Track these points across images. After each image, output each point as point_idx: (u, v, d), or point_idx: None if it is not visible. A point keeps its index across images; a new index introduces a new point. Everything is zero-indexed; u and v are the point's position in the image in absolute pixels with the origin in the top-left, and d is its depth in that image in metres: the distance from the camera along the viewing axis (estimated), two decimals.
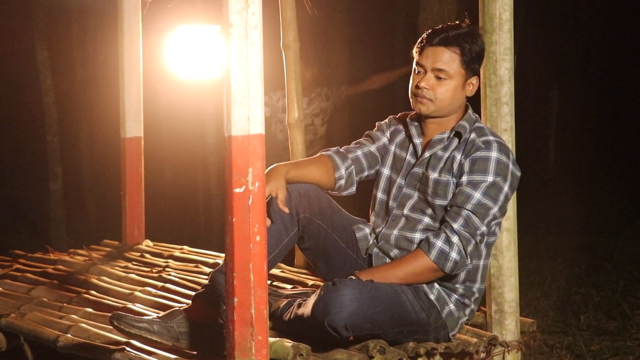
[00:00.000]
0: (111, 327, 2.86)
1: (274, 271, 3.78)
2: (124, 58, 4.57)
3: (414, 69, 3.06)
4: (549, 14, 11.72)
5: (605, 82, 12.97)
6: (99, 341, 2.96)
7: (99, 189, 9.11)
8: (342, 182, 3.19)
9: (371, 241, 3.18)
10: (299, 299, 3.02)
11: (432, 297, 3.00)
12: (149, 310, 3.27)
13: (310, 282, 3.59)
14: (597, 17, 12.72)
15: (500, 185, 2.95)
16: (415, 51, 3.07)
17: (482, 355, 3.14)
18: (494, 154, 2.96)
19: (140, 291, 3.57)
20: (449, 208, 2.98)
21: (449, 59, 3.00)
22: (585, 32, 12.81)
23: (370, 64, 9.29)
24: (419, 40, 3.06)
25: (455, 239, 2.91)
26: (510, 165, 2.98)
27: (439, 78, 3.00)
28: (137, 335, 2.77)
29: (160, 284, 3.69)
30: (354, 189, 3.25)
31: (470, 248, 2.92)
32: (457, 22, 3.09)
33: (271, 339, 2.68)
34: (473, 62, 3.03)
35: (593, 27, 12.83)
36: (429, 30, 3.06)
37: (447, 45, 3.00)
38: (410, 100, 3.08)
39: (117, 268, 4.07)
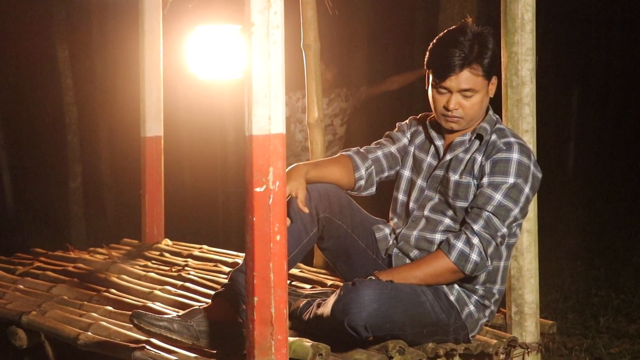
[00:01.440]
0: (131, 326, 2.87)
1: (294, 271, 3.78)
2: (145, 58, 4.59)
3: (436, 88, 2.99)
4: (570, 15, 11.66)
5: (626, 84, 12.90)
6: (119, 339, 2.97)
7: (119, 188, 9.15)
8: (362, 182, 3.19)
9: (391, 242, 3.17)
10: (319, 299, 3.02)
11: (452, 298, 2.99)
12: (168, 309, 3.28)
13: (330, 282, 3.59)
14: (618, 18, 12.65)
15: (521, 187, 2.94)
16: (432, 73, 2.99)
17: (502, 356, 3.13)
18: (515, 156, 2.95)
19: (159, 290, 3.58)
20: (469, 209, 2.97)
21: (472, 77, 2.96)
22: (607, 33, 12.74)
23: (390, 64, 9.28)
24: (432, 58, 2.98)
25: (475, 240, 2.90)
26: (532, 167, 2.97)
27: (466, 96, 2.98)
28: (157, 334, 2.78)
29: (179, 282, 3.70)
30: (373, 189, 3.24)
31: (490, 249, 2.91)
32: (461, 23, 3.05)
33: (290, 339, 2.68)
34: (492, 68, 3.01)
35: (614, 28, 12.77)
36: (438, 49, 2.97)
37: (468, 67, 2.94)
38: (439, 119, 3.04)
39: (136, 267, 4.08)
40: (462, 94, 2.97)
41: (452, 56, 2.94)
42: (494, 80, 3.04)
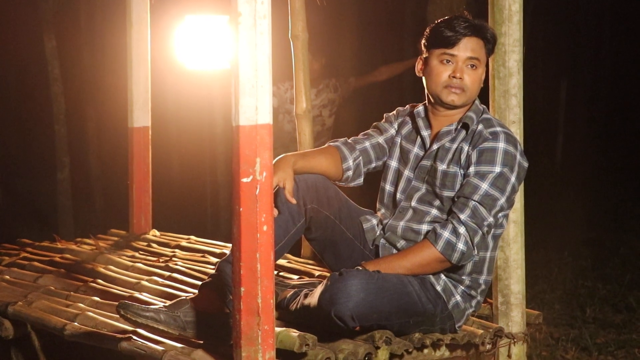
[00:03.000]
0: (118, 316, 2.87)
1: (281, 262, 3.78)
2: (132, 48, 4.57)
3: (441, 60, 3.02)
4: (558, 6, 11.68)
5: (615, 75, 12.94)
6: (106, 330, 2.97)
7: (107, 179, 9.13)
8: (350, 173, 3.19)
9: (378, 232, 3.18)
10: (306, 289, 3.02)
11: (438, 288, 3.00)
12: (155, 300, 3.28)
13: (317, 273, 3.59)
14: (607, 9, 12.68)
15: (508, 176, 2.95)
16: (438, 44, 3.02)
17: (488, 346, 3.14)
18: (501, 145, 2.96)
19: (147, 280, 3.58)
20: (456, 199, 2.98)
21: (479, 47, 3.03)
22: (596, 24, 12.77)
23: (379, 55, 9.28)
24: (437, 32, 3.03)
25: (462, 229, 2.90)
26: (518, 156, 2.98)
27: (470, 67, 3.02)
28: (143, 325, 2.78)
29: (167, 273, 3.69)
30: (361, 180, 3.24)
31: (477, 239, 2.92)
32: (455, 15, 3.09)
33: (277, 329, 2.68)
34: (492, 48, 3.09)
35: (603, 20, 12.79)
36: (442, 24, 3.03)
37: (477, 35, 3.02)
38: (440, 93, 3.04)
39: (124, 257, 4.08)
40: (467, 65, 3.01)
41: (460, 24, 3.01)
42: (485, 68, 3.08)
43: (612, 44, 12.97)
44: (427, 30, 3.08)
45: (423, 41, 3.09)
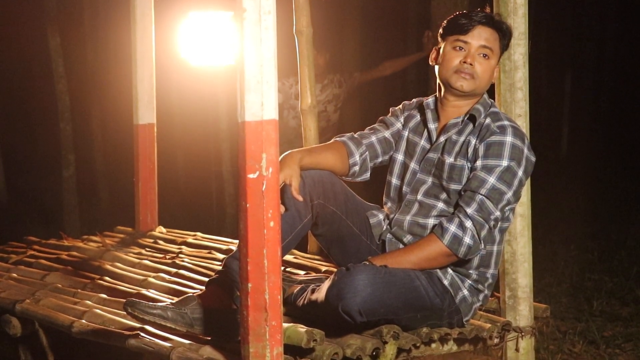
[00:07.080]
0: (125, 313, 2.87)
1: (288, 257, 3.78)
2: (137, 45, 4.57)
3: (454, 47, 3.04)
4: None
5: (619, 68, 12.91)
6: (114, 327, 2.97)
7: (112, 176, 9.14)
8: (356, 168, 3.18)
9: (385, 227, 3.18)
10: (313, 285, 3.02)
11: (445, 282, 2.99)
12: (162, 296, 3.28)
13: (324, 268, 3.59)
14: (611, 1, 12.65)
15: (515, 170, 2.94)
16: (452, 32, 3.04)
17: (496, 340, 3.14)
18: (508, 139, 2.96)
19: (153, 277, 3.58)
20: (462, 193, 2.98)
21: (493, 38, 3.04)
22: (600, 17, 12.74)
23: (383, 50, 9.28)
24: (452, 21, 3.05)
25: (468, 223, 2.90)
26: (525, 150, 2.98)
27: (482, 56, 3.02)
28: (151, 322, 2.78)
29: (173, 270, 3.70)
30: (368, 175, 3.24)
31: (483, 233, 2.92)
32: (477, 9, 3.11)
33: (285, 325, 2.68)
34: (507, 42, 3.09)
35: (607, 12, 12.76)
36: (458, 15, 3.06)
37: (491, 26, 3.04)
38: (450, 78, 3.04)
39: (130, 254, 4.08)
40: (479, 53, 3.02)
41: (476, 14, 3.04)
42: (497, 65, 3.09)
43: (616, 35, 12.93)
44: (446, 20, 3.10)
45: (440, 31, 3.11)
